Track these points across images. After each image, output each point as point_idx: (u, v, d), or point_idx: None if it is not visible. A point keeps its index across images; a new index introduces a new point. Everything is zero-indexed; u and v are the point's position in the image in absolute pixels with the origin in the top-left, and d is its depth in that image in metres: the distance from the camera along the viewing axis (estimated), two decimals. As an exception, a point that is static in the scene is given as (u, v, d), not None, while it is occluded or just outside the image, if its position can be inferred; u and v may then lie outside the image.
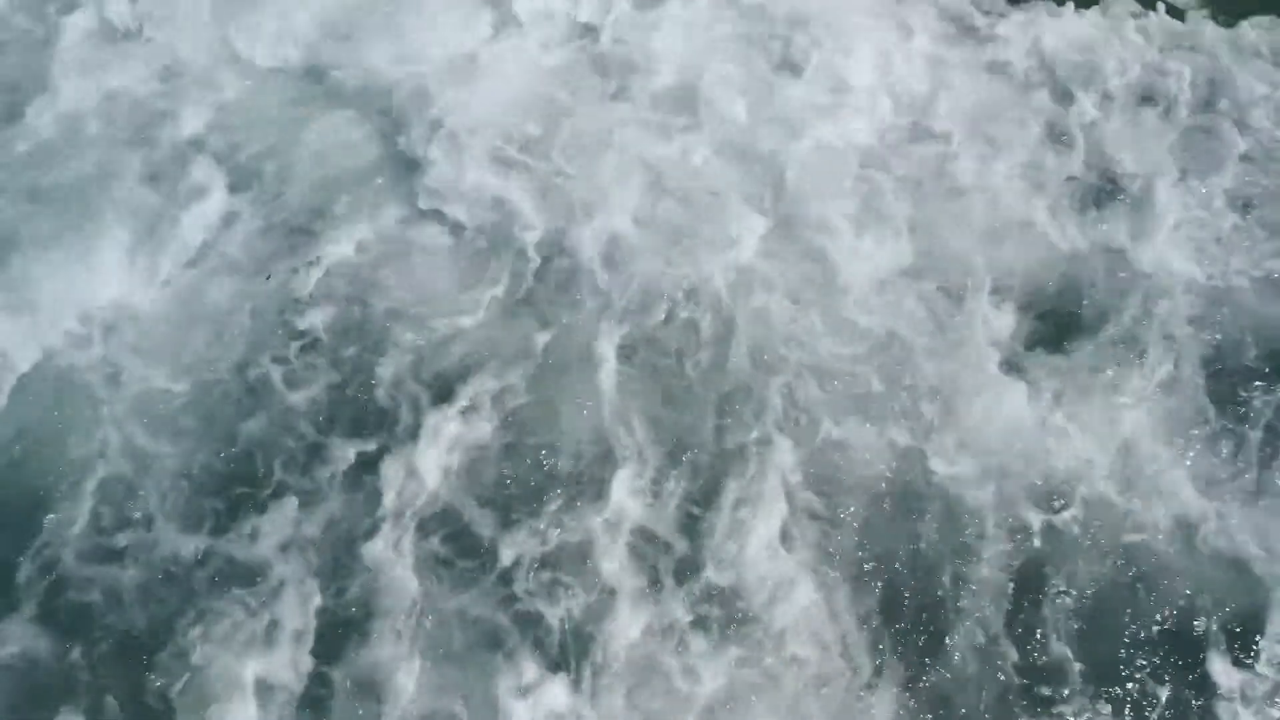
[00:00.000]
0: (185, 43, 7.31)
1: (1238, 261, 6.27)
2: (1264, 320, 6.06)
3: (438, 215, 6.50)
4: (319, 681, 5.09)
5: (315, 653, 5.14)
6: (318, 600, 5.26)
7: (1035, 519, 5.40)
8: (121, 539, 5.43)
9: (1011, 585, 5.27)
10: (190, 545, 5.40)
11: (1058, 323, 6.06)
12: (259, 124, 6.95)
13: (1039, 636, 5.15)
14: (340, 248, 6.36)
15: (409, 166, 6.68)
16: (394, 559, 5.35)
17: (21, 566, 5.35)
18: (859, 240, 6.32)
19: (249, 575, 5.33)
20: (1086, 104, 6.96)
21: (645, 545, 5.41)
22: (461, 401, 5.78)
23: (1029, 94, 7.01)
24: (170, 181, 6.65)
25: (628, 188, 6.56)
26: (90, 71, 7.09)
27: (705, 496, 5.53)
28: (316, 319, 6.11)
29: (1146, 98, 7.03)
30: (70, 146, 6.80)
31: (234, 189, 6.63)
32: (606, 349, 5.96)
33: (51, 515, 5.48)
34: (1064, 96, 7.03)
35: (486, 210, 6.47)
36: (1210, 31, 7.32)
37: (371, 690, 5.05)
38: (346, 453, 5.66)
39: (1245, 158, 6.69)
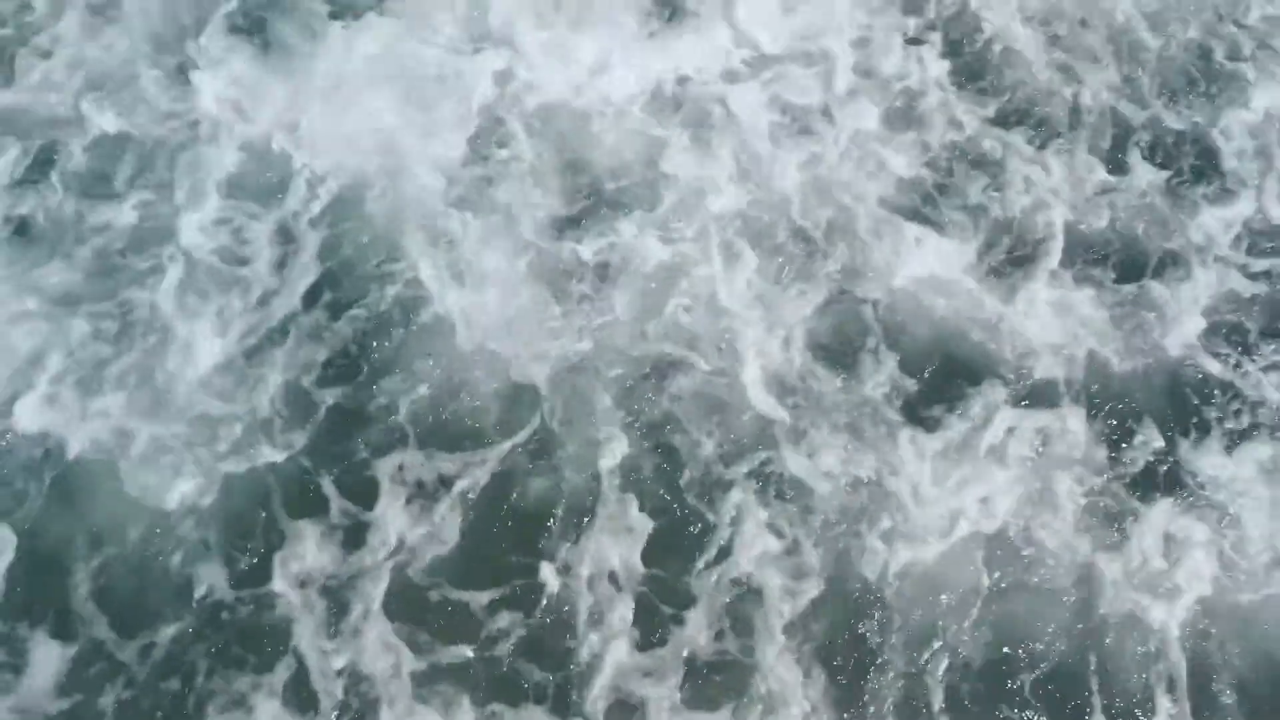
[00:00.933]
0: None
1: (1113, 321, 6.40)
2: (1149, 379, 6.22)
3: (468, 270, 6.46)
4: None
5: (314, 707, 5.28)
6: (321, 655, 5.42)
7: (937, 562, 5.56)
8: (141, 590, 5.56)
9: (915, 624, 5.41)
10: (199, 592, 5.54)
11: (947, 380, 6.17)
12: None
13: (925, 673, 5.30)
14: (368, 306, 6.37)
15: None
16: (390, 608, 5.52)
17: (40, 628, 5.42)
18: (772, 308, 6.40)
19: (258, 626, 5.48)
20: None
21: (634, 590, 5.56)
22: (466, 451, 5.93)
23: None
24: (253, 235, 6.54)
25: (636, 232, 6.57)
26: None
27: (689, 541, 5.69)
28: (328, 373, 6.16)
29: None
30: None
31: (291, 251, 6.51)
32: (606, 396, 6.10)
33: (72, 564, 5.58)
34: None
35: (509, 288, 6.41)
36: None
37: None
38: (347, 504, 5.80)
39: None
